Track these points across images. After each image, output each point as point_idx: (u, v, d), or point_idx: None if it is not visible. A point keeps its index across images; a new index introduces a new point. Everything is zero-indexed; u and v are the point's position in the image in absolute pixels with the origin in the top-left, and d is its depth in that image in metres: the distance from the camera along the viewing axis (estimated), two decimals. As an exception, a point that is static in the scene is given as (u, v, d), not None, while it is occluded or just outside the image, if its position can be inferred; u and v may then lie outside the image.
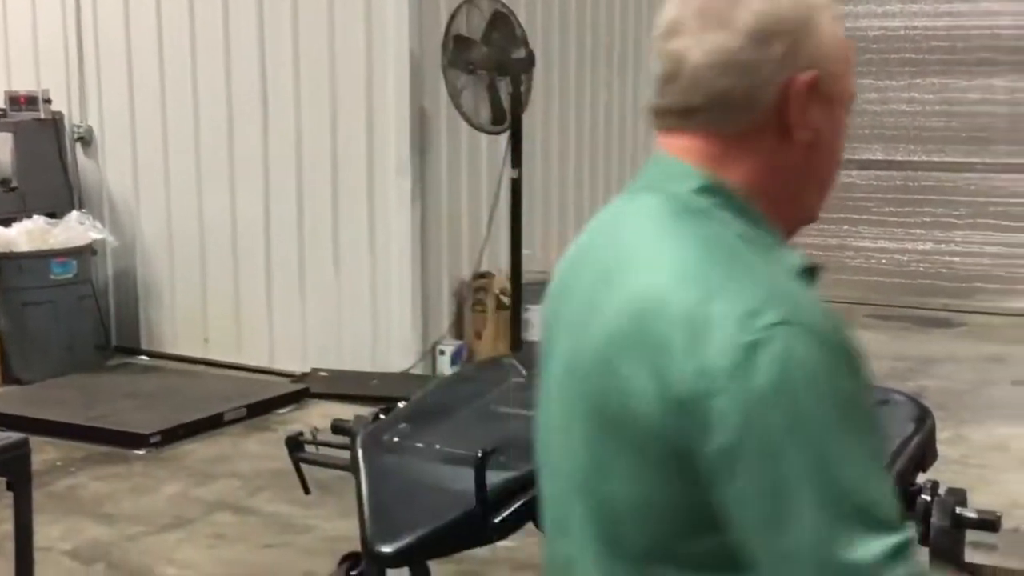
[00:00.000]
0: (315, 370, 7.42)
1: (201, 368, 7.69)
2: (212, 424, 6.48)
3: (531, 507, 2.22)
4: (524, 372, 2.73)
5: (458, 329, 7.68)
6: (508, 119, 7.32)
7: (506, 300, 7.47)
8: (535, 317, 7.95)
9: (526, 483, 2.25)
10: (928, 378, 7.07)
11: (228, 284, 7.72)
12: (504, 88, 6.85)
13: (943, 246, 9.26)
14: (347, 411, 6.73)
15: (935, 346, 8.10)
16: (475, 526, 2.14)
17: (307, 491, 2.94)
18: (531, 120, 7.86)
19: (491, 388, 2.68)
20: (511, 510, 2.16)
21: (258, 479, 5.77)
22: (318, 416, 6.72)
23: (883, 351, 7.94)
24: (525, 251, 7.55)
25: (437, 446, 2.45)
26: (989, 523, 2.06)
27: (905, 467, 2.14)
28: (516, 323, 7.45)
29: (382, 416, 2.68)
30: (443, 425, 2.54)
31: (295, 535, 5.11)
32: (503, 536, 2.18)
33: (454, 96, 6.67)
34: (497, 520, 2.14)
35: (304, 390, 7.18)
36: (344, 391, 7.08)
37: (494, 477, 2.27)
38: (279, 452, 6.24)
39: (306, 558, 4.87)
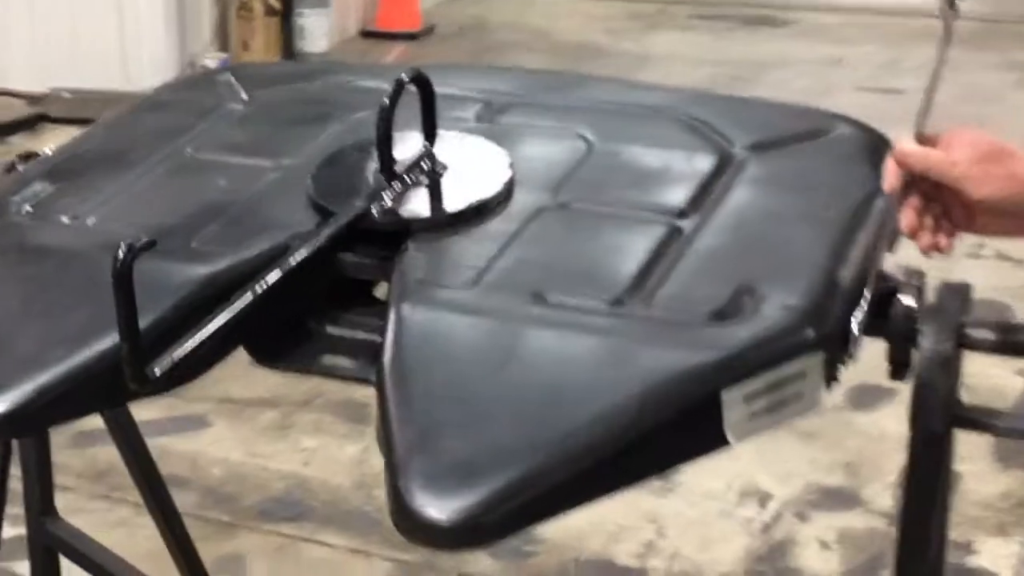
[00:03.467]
0: (55, 90, 6.29)
1: (-89, 92, 6.45)
2: (-85, 159, 5.34)
3: (238, 324, 1.29)
4: (244, 95, 1.73)
5: (222, 39, 6.58)
6: None
7: (276, 3, 6.38)
8: (311, 23, 6.88)
9: (235, 281, 1.31)
10: (760, 86, 6.25)
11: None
12: None
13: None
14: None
15: (764, 48, 7.25)
16: (121, 369, 1.19)
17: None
18: None
19: (195, 122, 1.68)
20: (197, 341, 1.20)
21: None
22: (56, 145, 5.64)
23: (707, 55, 7.09)
24: (296, -58, 6.43)
25: (90, 221, 1.46)
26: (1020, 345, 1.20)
27: (875, 248, 1.25)
28: (289, 30, 6.41)
29: (20, 169, 1.67)
30: (109, 185, 1.55)
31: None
32: (174, 383, 1.24)
33: None
34: (165, 363, 1.18)
35: (40, 115, 6.07)
36: (90, 115, 5.92)
37: (173, 275, 1.32)
38: None
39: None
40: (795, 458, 3.07)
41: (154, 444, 3.05)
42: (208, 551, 2.72)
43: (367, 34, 7.49)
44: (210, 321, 1.26)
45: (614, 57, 7.06)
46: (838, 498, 2.96)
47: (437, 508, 1.07)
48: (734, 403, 1.12)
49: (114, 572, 1.83)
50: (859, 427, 3.20)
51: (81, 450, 3.00)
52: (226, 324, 1.28)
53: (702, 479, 2.95)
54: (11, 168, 1.70)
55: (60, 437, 2.28)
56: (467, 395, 1.16)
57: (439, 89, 1.56)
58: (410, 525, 1.08)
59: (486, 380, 1.17)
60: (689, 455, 1.15)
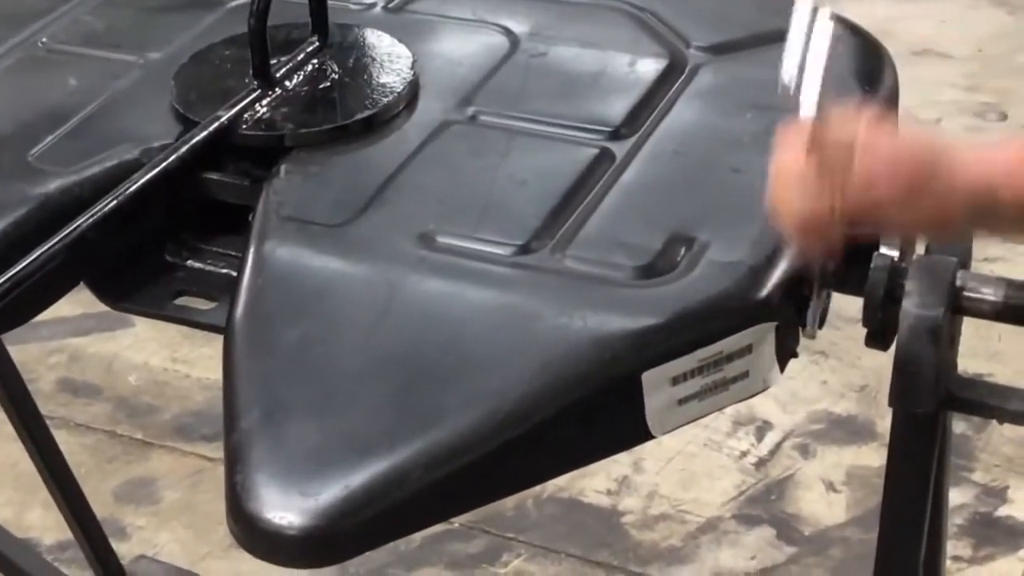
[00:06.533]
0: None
1: None
2: None
3: (76, 257, 1.07)
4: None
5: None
6: None
7: None
8: None
9: (72, 205, 1.11)
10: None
11: None
12: None
13: None
14: None
15: None
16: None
17: None
18: None
19: (55, 4, 1.43)
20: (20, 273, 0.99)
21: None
22: None
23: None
24: None
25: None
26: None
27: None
28: None
29: None
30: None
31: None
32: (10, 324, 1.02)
33: None
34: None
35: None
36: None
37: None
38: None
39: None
40: (802, 378, 2.75)
41: (68, 345, 2.83)
42: (117, 474, 2.49)
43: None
44: (21, 260, 1.02)
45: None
46: (849, 429, 2.63)
47: (281, 512, 0.84)
48: (658, 386, 0.88)
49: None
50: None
51: None
52: (55, 258, 1.05)
53: (688, 401, 2.68)
54: None
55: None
56: (327, 366, 0.92)
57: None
58: (246, 530, 0.85)
59: (351, 347, 0.93)
60: (601, 451, 0.91)
